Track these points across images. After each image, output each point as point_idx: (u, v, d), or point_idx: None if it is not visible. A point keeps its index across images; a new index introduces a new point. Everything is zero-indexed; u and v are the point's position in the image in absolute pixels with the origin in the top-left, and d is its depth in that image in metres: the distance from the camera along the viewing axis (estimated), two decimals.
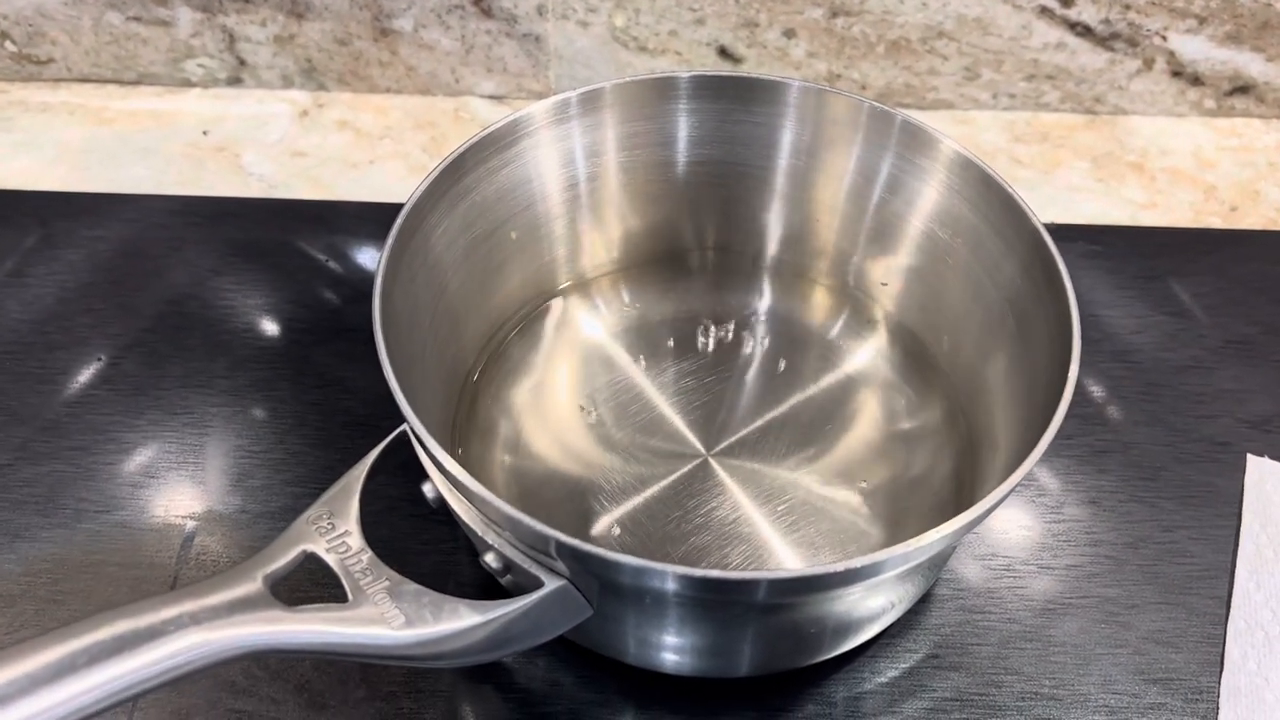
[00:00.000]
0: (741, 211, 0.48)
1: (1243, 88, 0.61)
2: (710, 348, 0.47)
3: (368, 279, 0.52)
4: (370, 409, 0.47)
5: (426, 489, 0.35)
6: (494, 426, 0.44)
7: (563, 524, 0.40)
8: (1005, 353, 0.41)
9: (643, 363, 0.46)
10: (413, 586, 0.32)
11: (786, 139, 0.45)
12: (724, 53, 0.61)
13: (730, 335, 0.47)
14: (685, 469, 0.43)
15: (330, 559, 0.33)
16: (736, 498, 0.42)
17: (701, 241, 0.49)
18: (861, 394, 0.45)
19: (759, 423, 0.44)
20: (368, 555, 0.33)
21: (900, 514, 0.41)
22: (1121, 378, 0.49)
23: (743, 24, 0.59)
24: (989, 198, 0.41)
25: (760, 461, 0.43)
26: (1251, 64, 0.60)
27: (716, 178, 0.47)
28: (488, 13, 0.59)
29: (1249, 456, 0.46)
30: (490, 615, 0.32)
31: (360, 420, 0.48)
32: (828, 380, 0.46)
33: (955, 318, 0.44)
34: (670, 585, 0.32)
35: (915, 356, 0.46)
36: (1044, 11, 0.58)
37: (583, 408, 0.45)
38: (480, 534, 0.34)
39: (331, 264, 0.54)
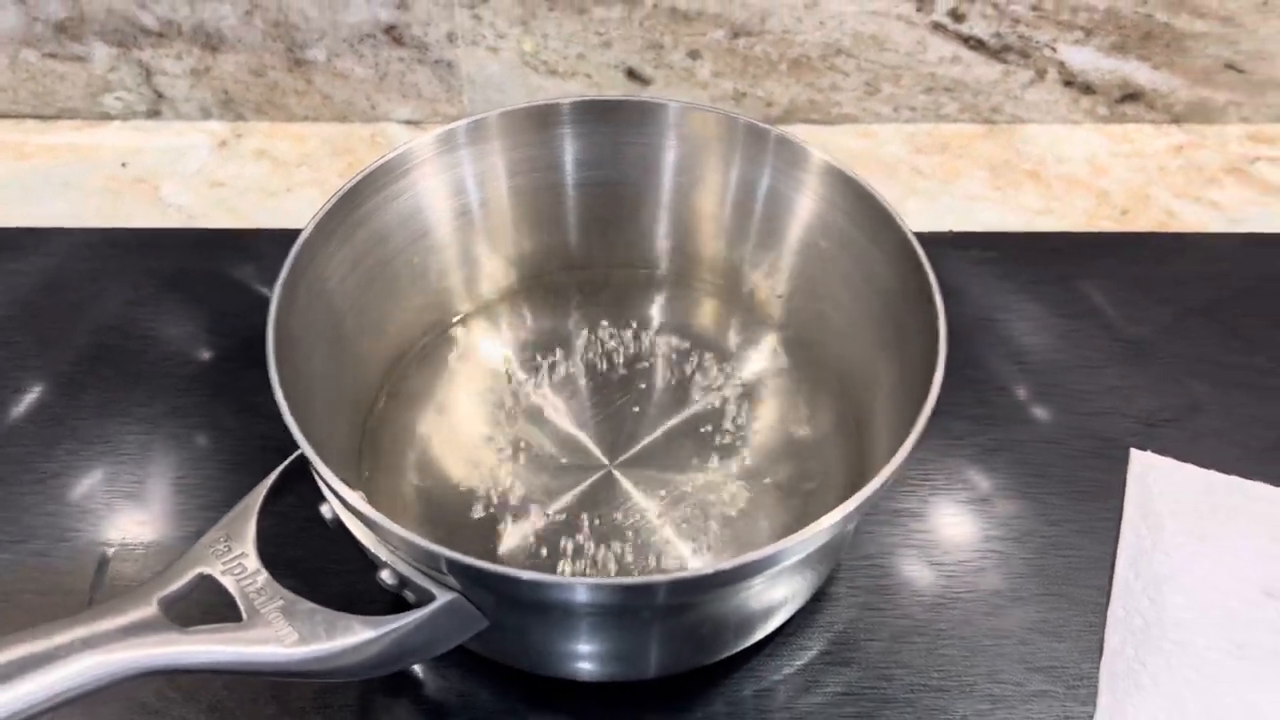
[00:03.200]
0: (632, 229, 0.49)
1: (1132, 95, 0.63)
2: (610, 362, 0.48)
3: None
4: (286, 433, 0.48)
5: (324, 510, 0.36)
6: (400, 449, 0.45)
7: (469, 541, 0.42)
8: (887, 355, 0.42)
9: (545, 380, 0.47)
10: (307, 605, 0.33)
11: (669, 158, 0.47)
12: (632, 74, 0.62)
13: (629, 348, 0.48)
14: (590, 480, 0.44)
15: (226, 581, 0.33)
16: (641, 505, 0.43)
17: (595, 259, 0.50)
18: (758, 399, 0.47)
19: (660, 431, 0.45)
20: (263, 576, 0.34)
21: (802, 512, 0.43)
22: (1014, 379, 0.51)
23: (648, 46, 0.61)
24: (862, 208, 0.42)
25: (663, 469, 0.44)
26: (1138, 72, 0.62)
27: (605, 197, 0.48)
28: (399, 41, 0.60)
29: (1132, 451, 0.48)
30: (382, 630, 0.33)
31: (276, 445, 0.48)
32: (725, 387, 0.47)
33: (842, 324, 0.45)
34: (558, 595, 0.33)
35: (807, 361, 0.47)
36: (937, 27, 0.60)
37: (487, 428, 0.46)
38: (374, 552, 0.35)
39: (248, 291, 0.55)
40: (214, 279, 0.55)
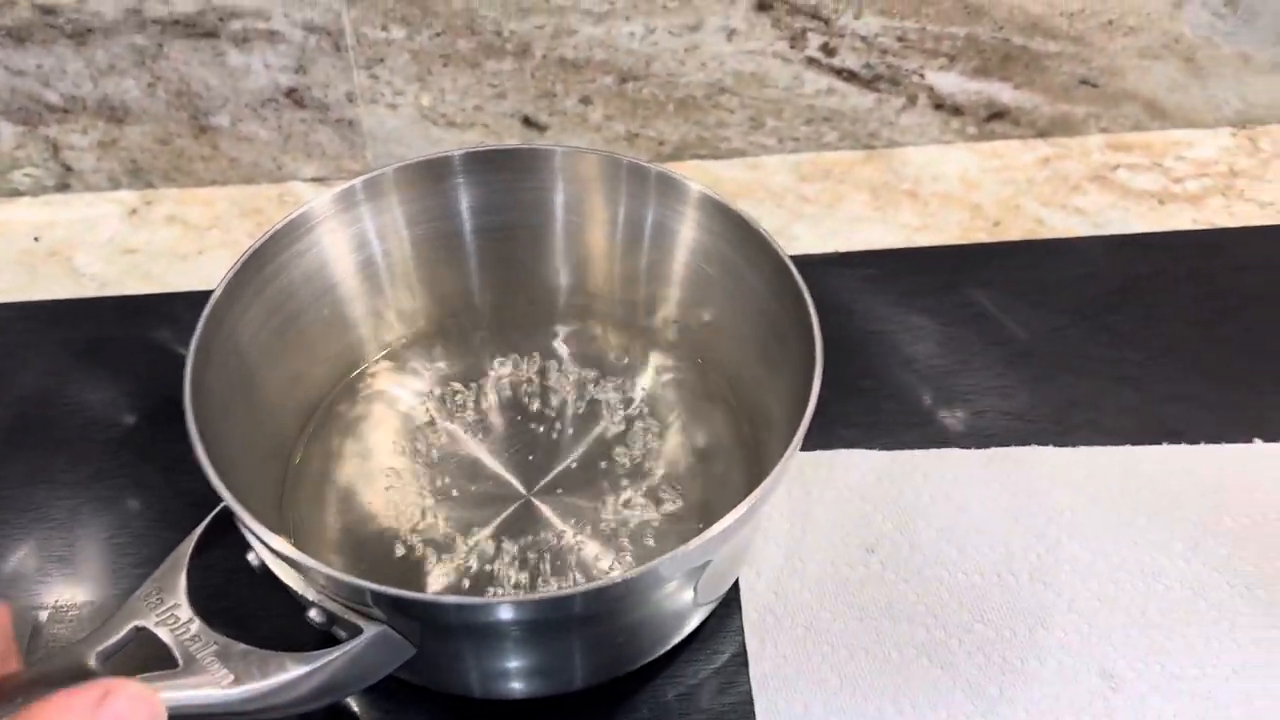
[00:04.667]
0: (530, 268, 0.51)
1: (999, 113, 0.67)
2: (520, 395, 0.50)
3: None
4: (211, 487, 0.49)
5: (251, 558, 0.38)
6: (321, 494, 0.47)
7: (393, 576, 0.43)
8: (775, 369, 0.45)
9: (459, 417, 0.49)
10: (241, 647, 0.35)
11: (559, 199, 0.49)
12: (528, 122, 0.65)
13: (537, 381, 0.51)
14: (509, 510, 0.46)
15: (160, 631, 0.35)
16: (558, 530, 0.45)
17: (498, 299, 0.52)
18: (662, 420, 0.49)
19: (573, 458, 0.48)
20: (196, 624, 0.35)
21: (708, 522, 0.45)
22: (901, 386, 0.54)
23: (542, 95, 0.63)
24: (741, 234, 0.45)
25: (578, 494, 0.46)
26: (1002, 92, 0.66)
27: (503, 240, 0.50)
28: (300, 103, 0.62)
29: None
30: (314, 665, 0.35)
31: (202, 499, 0.49)
32: (630, 411, 0.49)
33: (732, 343, 0.48)
34: (478, 616, 0.35)
35: (705, 381, 0.50)
36: (811, 62, 0.64)
37: (405, 467, 0.47)
38: (301, 592, 0.36)
39: (166, 353, 0.56)
40: (132, 344, 0.56)
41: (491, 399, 0.50)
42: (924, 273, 0.60)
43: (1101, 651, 0.44)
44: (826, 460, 0.50)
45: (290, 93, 0.62)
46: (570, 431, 0.49)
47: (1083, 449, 0.51)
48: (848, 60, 0.64)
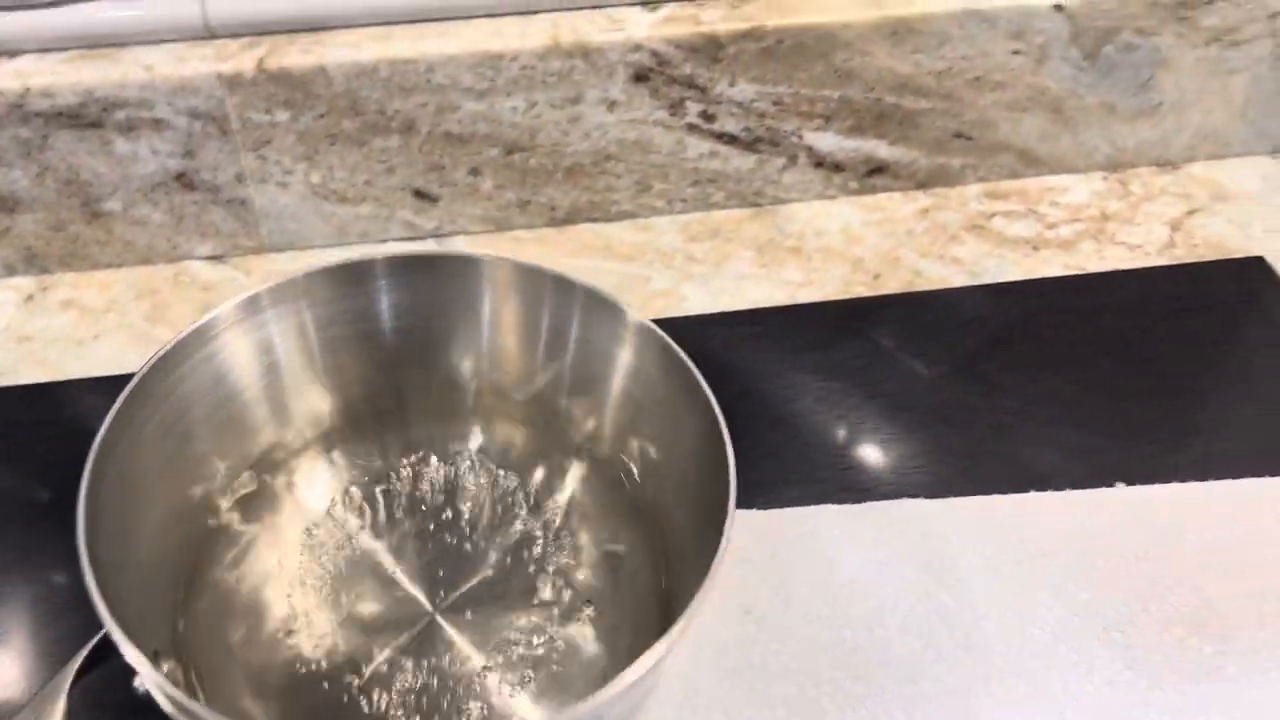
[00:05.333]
0: (448, 372, 0.51)
1: (878, 168, 0.69)
2: (431, 501, 0.49)
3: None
4: None
5: (136, 682, 0.37)
6: (219, 609, 0.45)
7: (286, 704, 0.42)
8: (689, 497, 0.44)
9: (363, 525, 0.48)
10: None
11: (483, 306, 0.49)
12: (419, 194, 0.66)
13: (448, 486, 0.50)
14: (414, 630, 0.45)
15: None
16: (466, 652, 0.44)
17: (411, 402, 0.51)
18: (576, 533, 0.48)
19: (482, 571, 0.47)
20: None
21: (625, 636, 0.45)
22: (779, 444, 0.55)
23: (430, 168, 0.64)
24: (665, 361, 0.45)
25: (487, 612, 0.45)
26: (879, 148, 0.68)
27: (419, 344, 0.50)
28: (191, 186, 0.63)
29: None
30: None
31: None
32: (544, 523, 0.49)
33: (650, 462, 0.47)
34: None
35: (620, 496, 0.49)
36: (692, 128, 0.65)
37: (308, 579, 0.47)
38: None
39: (64, 442, 0.56)
40: (29, 433, 0.57)
41: (400, 504, 0.49)
42: (806, 329, 0.62)
43: (965, 701, 0.45)
44: None
45: (180, 176, 0.62)
46: (482, 543, 0.48)
47: (954, 499, 0.52)
48: (727, 125, 0.65)
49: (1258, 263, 0.65)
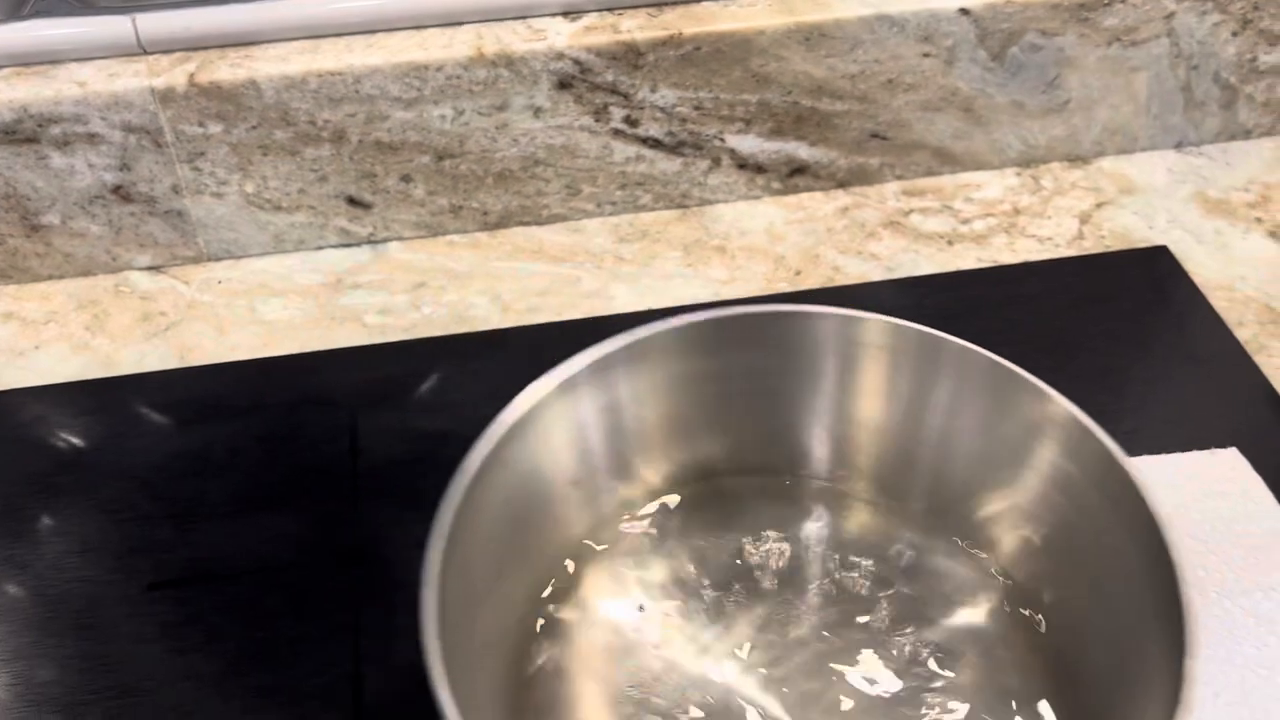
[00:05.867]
0: (791, 441, 0.45)
1: (800, 169, 0.71)
2: (774, 590, 0.43)
3: (34, 462, 0.56)
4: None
5: None
6: (551, 696, 0.41)
7: None
8: (1121, 644, 0.36)
9: (691, 623, 0.42)
10: None
11: (831, 367, 0.43)
12: (352, 201, 0.67)
13: (796, 574, 0.43)
14: None
15: None
16: None
17: (750, 472, 0.46)
18: (959, 662, 0.40)
19: (821, 677, 0.40)
20: None
21: None
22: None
23: (362, 176, 0.66)
24: (1096, 464, 0.38)
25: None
26: (800, 150, 0.70)
27: (775, 411, 0.45)
28: (127, 199, 0.64)
29: None
30: None
31: (40, 600, 0.51)
32: (911, 632, 0.41)
33: (1072, 593, 0.39)
34: None
35: (1023, 619, 0.41)
36: (617, 133, 0.67)
37: (635, 663, 0.41)
38: None
39: (3, 452, 0.57)
40: None
41: (741, 592, 0.43)
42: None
43: None
44: None
45: (117, 189, 0.63)
46: (822, 646, 0.40)
47: None
48: (651, 130, 0.67)
49: (1161, 252, 0.67)
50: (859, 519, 0.44)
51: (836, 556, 0.43)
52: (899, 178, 0.73)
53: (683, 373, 0.43)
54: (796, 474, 0.45)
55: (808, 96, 0.68)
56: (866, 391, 0.43)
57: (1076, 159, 0.75)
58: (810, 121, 0.69)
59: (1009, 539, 0.41)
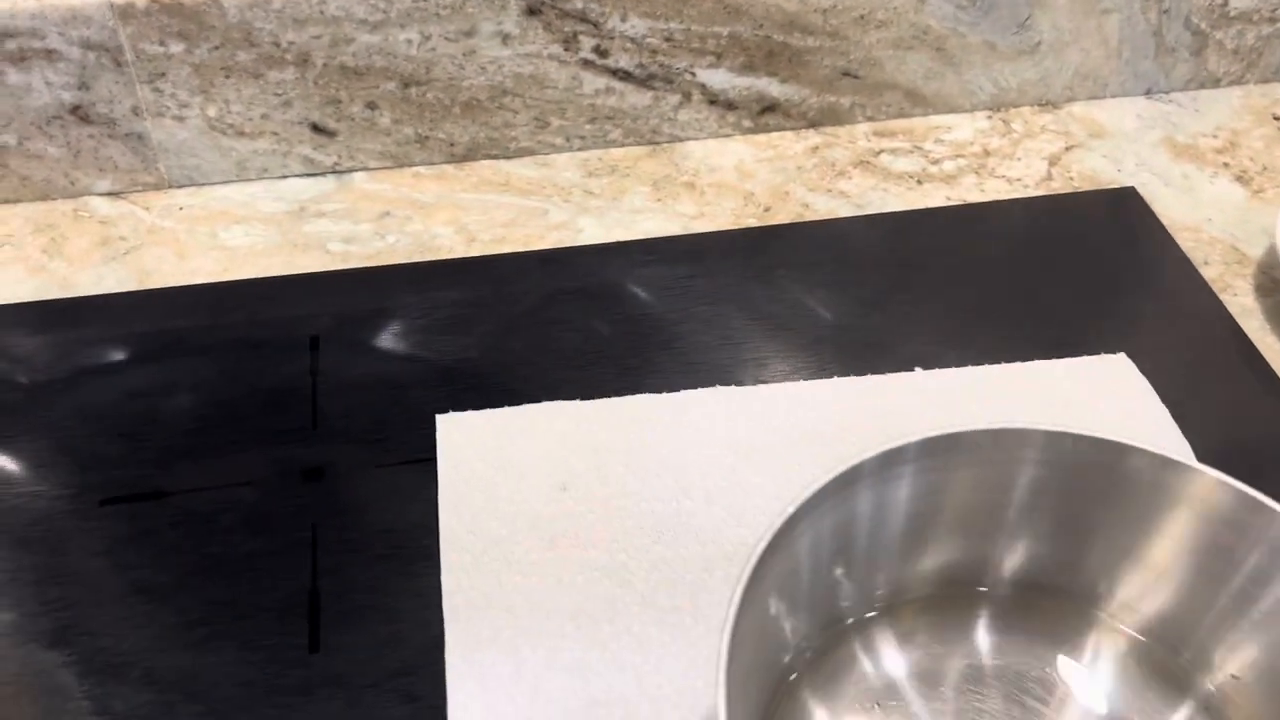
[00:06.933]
0: (1065, 564, 0.43)
1: (770, 106, 0.70)
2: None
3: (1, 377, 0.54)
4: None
5: None
6: None
7: None
8: None
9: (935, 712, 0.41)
10: None
11: (1146, 511, 0.40)
12: (317, 128, 0.65)
13: (1039, 705, 0.41)
14: None
15: None
16: None
17: (1019, 589, 0.43)
18: None
19: None
20: None
21: None
22: (666, 362, 0.56)
23: (327, 101, 0.64)
24: None
25: None
26: (771, 87, 0.69)
27: (1040, 532, 0.42)
28: (86, 119, 0.62)
29: (437, 416, 0.52)
30: None
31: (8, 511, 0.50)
32: None
33: None
34: None
35: None
36: (587, 64, 0.66)
37: None
38: None
39: None
40: None
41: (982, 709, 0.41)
42: (696, 258, 0.62)
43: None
44: (527, 413, 0.52)
45: (75, 109, 0.62)
46: None
47: (760, 387, 0.54)
48: (621, 61, 0.66)
49: (1129, 193, 0.67)
50: (1119, 665, 0.42)
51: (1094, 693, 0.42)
52: (870, 119, 0.72)
53: (969, 478, 0.41)
54: (1077, 601, 0.43)
55: (779, 30, 0.66)
56: (1183, 549, 0.40)
57: (1047, 103, 0.74)
58: (782, 57, 0.68)
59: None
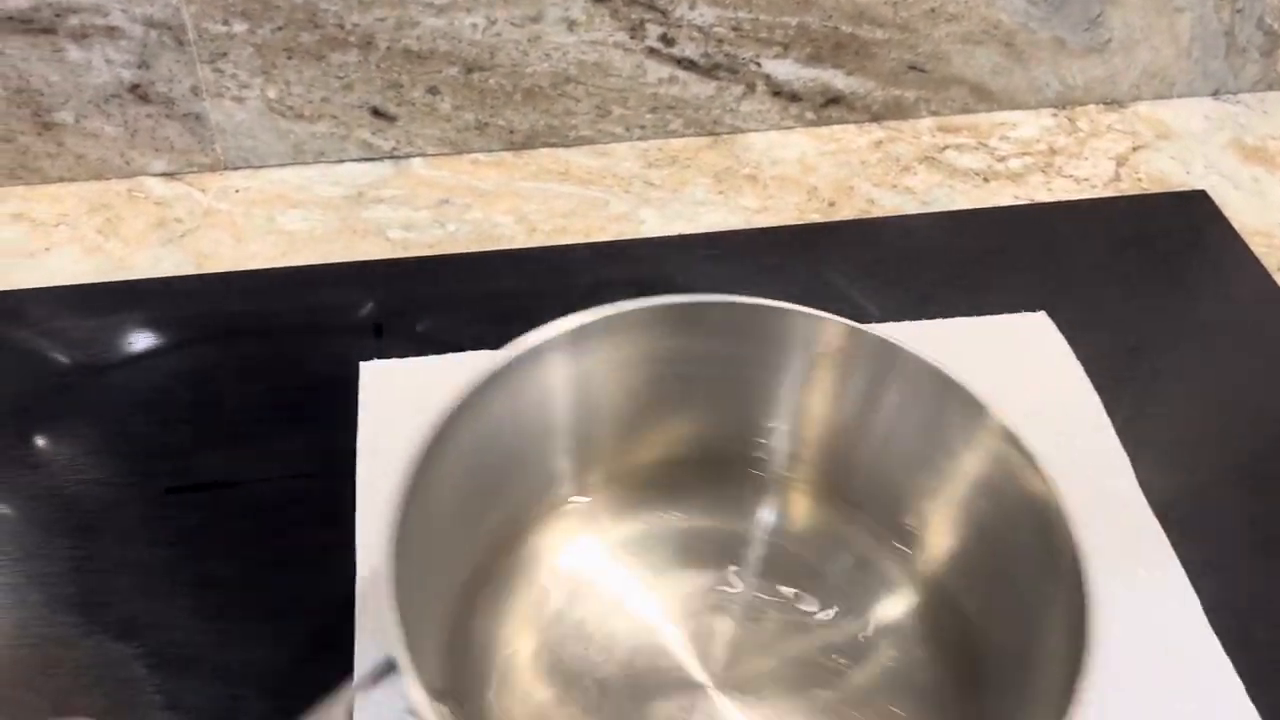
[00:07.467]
0: (750, 433, 0.45)
1: (834, 99, 0.69)
2: (714, 573, 0.43)
3: (55, 360, 0.53)
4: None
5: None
6: (487, 659, 0.40)
7: None
8: (1030, 626, 0.38)
9: (644, 589, 0.43)
10: None
11: (797, 367, 0.43)
12: (376, 113, 0.64)
13: (735, 561, 0.44)
14: (685, 702, 0.40)
15: None
16: None
17: (707, 458, 0.46)
18: (875, 645, 0.42)
19: (763, 653, 0.41)
20: None
21: None
22: None
23: (388, 86, 0.63)
24: (1025, 486, 0.38)
25: (765, 700, 0.40)
26: (836, 79, 0.68)
27: (734, 400, 0.44)
28: (145, 98, 0.61)
29: (361, 364, 0.51)
30: None
31: (56, 496, 0.48)
32: (838, 617, 0.42)
33: (980, 592, 0.40)
34: None
35: (941, 615, 0.42)
36: (652, 52, 0.64)
37: (578, 638, 0.42)
38: None
39: (16, 353, 0.54)
40: None
41: (684, 569, 0.43)
42: (760, 252, 0.61)
43: None
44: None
45: (134, 88, 0.60)
46: (769, 623, 0.42)
47: None
48: (687, 50, 0.64)
49: (1200, 196, 0.65)
50: (803, 511, 0.45)
51: (776, 544, 0.44)
52: (934, 114, 0.71)
53: (652, 352, 0.43)
54: (751, 462, 0.45)
55: (848, 22, 0.65)
56: (822, 390, 0.44)
57: (1113, 102, 0.72)
58: (849, 49, 0.66)
59: (937, 541, 0.42)
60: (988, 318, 0.55)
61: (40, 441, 0.51)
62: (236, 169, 0.65)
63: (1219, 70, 0.71)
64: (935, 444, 0.42)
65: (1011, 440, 0.39)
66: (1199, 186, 0.66)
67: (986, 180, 0.67)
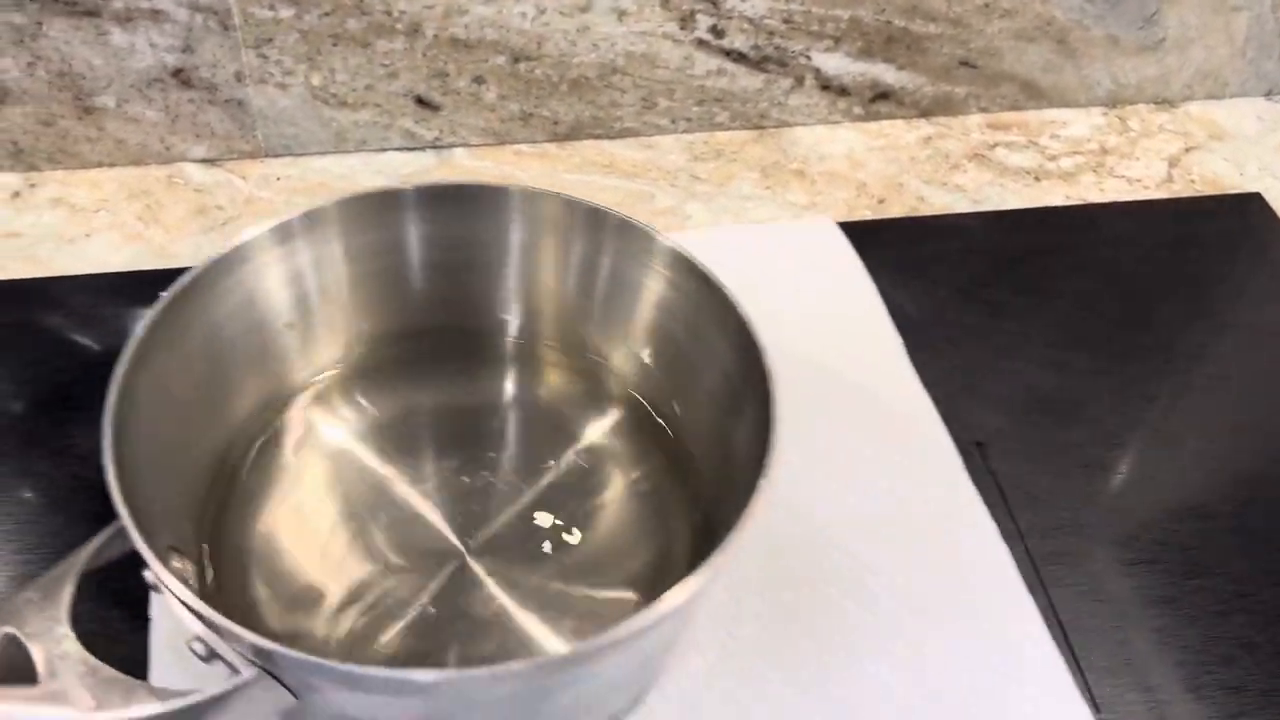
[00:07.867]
0: (478, 306, 0.48)
1: (883, 94, 0.67)
2: (459, 439, 0.46)
3: (93, 347, 0.52)
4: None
5: (147, 574, 0.34)
6: (244, 540, 0.42)
7: (303, 625, 0.40)
8: (727, 434, 0.42)
9: (392, 463, 0.45)
10: (110, 672, 0.32)
11: (514, 238, 0.46)
12: (421, 101, 0.63)
13: (477, 426, 0.47)
14: (444, 569, 0.42)
15: (31, 643, 0.33)
16: (494, 593, 0.41)
17: (441, 337, 0.48)
18: (610, 475, 0.45)
19: (513, 513, 0.44)
20: (70, 641, 0.33)
21: (650, 594, 0.40)
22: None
23: (434, 74, 0.62)
24: (701, 291, 0.42)
25: (517, 554, 0.42)
26: (886, 73, 0.66)
27: (450, 277, 0.47)
28: (187, 83, 0.59)
29: None
30: (183, 704, 0.32)
31: (99, 490, 0.47)
32: (578, 463, 0.46)
33: (688, 399, 0.45)
34: (360, 684, 0.32)
35: (658, 435, 0.46)
36: (701, 44, 0.63)
37: (333, 511, 0.44)
38: (187, 622, 0.34)
39: (56, 338, 0.53)
40: (19, 328, 0.54)
41: (429, 443, 0.46)
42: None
43: None
44: None
45: (177, 73, 0.59)
46: (513, 481, 0.45)
47: None
48: (736, 41, 0.63)
49: (1255, 198, 0.64)
50: (545, 370, 0.49)
51: (522, 407, 0.49)
52: (983, 110, 0.69)
53: (363, 245, 0.45)
54: (489, 333, 0.49)
55: (901, 16, 0.63)
56: (532, 259, 0.47)
57: (1164, 101, 0.71)
58: (901, 43, 0.65)
59: (639, 362, 0.47)
60: (775, 225, 0.60)
61: (79, 427, 0.50)
62: (277, 156, 0.63)
63: (1273, 71, 0.70)
64: (622, 281, 0.46)
65: (680, 259, 0.43)
66: (1253, 189, 0.65)
67: (1038, 179, 0.65)
